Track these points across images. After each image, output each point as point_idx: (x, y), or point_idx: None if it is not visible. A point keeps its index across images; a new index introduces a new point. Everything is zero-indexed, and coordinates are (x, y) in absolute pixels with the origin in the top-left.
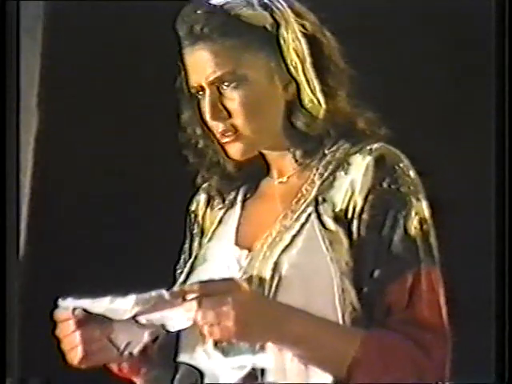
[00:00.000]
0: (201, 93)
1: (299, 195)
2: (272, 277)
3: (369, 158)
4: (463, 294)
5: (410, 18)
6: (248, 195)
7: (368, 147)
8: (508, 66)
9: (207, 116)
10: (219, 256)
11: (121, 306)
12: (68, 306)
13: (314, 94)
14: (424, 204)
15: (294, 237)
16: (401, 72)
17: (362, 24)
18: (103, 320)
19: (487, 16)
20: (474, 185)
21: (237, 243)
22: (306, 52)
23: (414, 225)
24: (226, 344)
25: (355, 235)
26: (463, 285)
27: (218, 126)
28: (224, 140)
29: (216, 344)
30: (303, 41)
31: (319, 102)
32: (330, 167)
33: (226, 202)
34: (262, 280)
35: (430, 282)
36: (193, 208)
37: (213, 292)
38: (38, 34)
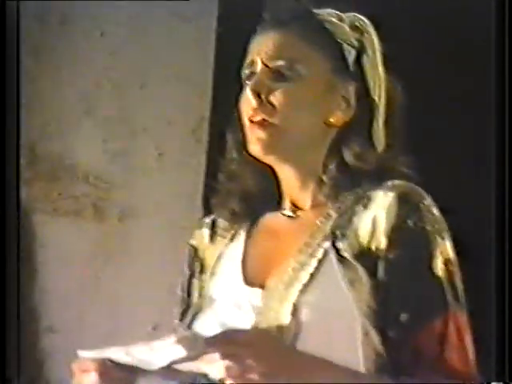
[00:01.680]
0: (250, 76)
1: (314, 228)
2: (291, 321)
3: (391, 195)
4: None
5: (409, 18)
6: (252, 229)
7: (389, 183)
8: (508, 65)
9: (249, 88)
10: (227, 295)
11: (160, 350)
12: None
13: (381, 126)
14: (448, 244)
15: (312, 275)
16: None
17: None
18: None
19: (487, 16)
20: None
21: (246, 281)
22: (384, 84)
23: (439, 265)
24: None
25: (380, 275)
26: (463, 285)
27: (253, 102)
28: (255, 118)
29: None
30: (381, 71)
31: (381, 136)
32: (348, 201)
33: (229, 235)
34: (280, 324)
35: (458, 328)
36: (194, 242)
37: (238, 343)
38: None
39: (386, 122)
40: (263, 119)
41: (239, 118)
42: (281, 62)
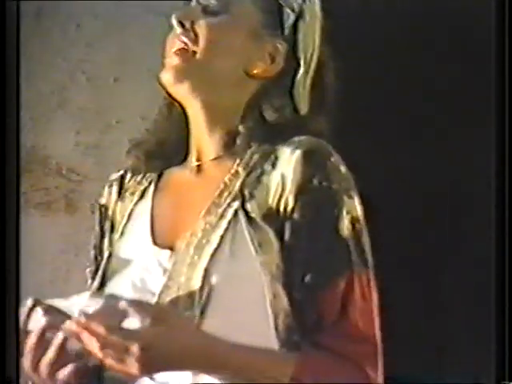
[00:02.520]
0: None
1: (222, 186)
2: (202, 287)
3: (298, 152)
4: (463, 294)
5: (409, 18)
6: (159, 185)
7: (296, 139)
8: (508, 65)
9: (174, 16)
10: (136, 256)
11: (75, 303)
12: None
13: (305, 90)
14: (356, 201)
15: (222, 237)
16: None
17: (361, 23)
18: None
19: (487, 16)
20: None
21: (155, 242)
22: (317, 50)
23: (345, 225)
24: None
25: (286, 236)
26: (463, 285)
27: (177, 29)
28: (176, 47)
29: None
30: (318, 41)
31: (304, 99)
32: (256, 158)
33: (137, 192)
34: (190, 290)
35: (363, 288)
36: (103, 201)
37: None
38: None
39: (312, 89)
40: (183, 48)
41: (163, 57)
42: (213, 1)
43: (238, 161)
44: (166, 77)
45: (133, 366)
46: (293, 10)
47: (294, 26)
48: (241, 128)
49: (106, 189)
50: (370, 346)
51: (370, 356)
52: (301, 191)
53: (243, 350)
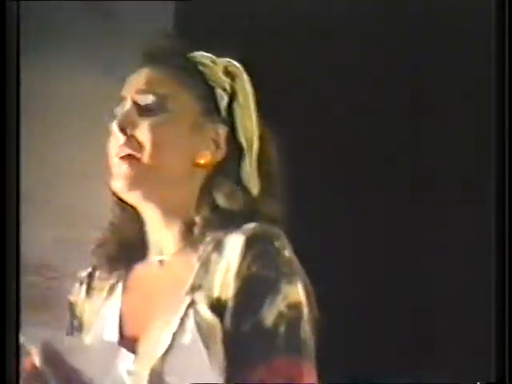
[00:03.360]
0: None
1: (178, 282)
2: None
3: (242, 238)
4: (463, 294)
5: (409, 18)
6: (127, 283)
7: (245, 226)
8: (508, 65)
9: (116, 122)
10: (103, 356)
11: None
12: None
13: (252, 170)
14: (298, 287)
15: (174, 335)
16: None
17: (361, 23)
18: None
19: (487, 16)
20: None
21: (121, 343)
22: (256, 129)
23: (277, 311)
24: None
25: (226, 325)
26: (463, 285)
27: (120, 140)
28: (121, 154)
29: None
30: (255, 118)
31: (254, 180)
32: (209, 249)
33: (106, 288)
34: None
35: (288, 376)
36: (73, 299)
37: None
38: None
39: (259, 166)
40: (129, 154)
41: (109, 160)
42: (150, 97)
43: (194, 254)
44: (117, 185)
45: None
46: (224, 90)
47: (230, 107)
48: (196, 219)
49: (76, 286)
50: None
51: None
52: (239, 278)
53: None
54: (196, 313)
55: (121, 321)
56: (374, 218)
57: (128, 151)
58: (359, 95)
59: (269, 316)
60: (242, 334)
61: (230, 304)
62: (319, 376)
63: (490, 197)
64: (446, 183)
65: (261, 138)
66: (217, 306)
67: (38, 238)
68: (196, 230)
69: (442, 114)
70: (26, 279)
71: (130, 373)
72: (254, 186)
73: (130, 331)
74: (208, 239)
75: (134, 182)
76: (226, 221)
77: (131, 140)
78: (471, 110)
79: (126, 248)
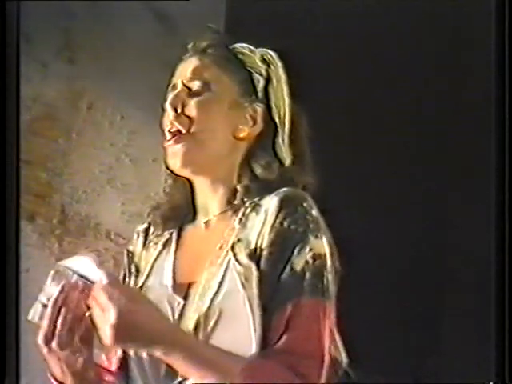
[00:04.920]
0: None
1: (222, 241)
2: (205, 324)
3: (275, 199)
4: (463, 295)
5: (409, 18)
6: (179, 240)
7: (280, 190)
8: (508, 65)
9: (167, 102)
10: (156, 299)
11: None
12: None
13: (285, 145)
14: (323, 241)
15: (220, 283)
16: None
17: (361, 24)
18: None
19: (487, 16)
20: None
21: (174, 290)
22: (288, 109)
23: (305, 259)
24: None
25: (261, 271)
26: (463, 285)
27: (170, 115)
28: (172, 129)
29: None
30: (287, 99)
31: (286, 153)
32: (248, 211)
33: (160, 243)
34: (196, 327)
35: (312, 314)
36: (131, 248)
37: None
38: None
39: (291, 141)
40: (179, 130)
41: (163, 135)
42: (197, 82)
43: (235, 217)
44: (172, 162)
45: (106, 333)
46: (261, 75)
47: (265, 90)
48: (238, 187)
49: (134, 238)
50: (313, 360)
51: (312, 366)
52: (273, 232)
53: (201, 341)
54: (236, 262)
55: (174, 271)
56: (399, 185)
57: (178, 126)
58: (386, 73)
59: (297, 264)
60: (274, 278)
61: (265, 253)
62: (338, 318)
63: None
64: None
65: (292, 116)
66: (253, 256)
67: (110, 211)
68: (238, 197)
69: None
70: (101, 244)
71: (179, 316)
72: (287, 158)
73: (181, 279)
74: (247, 204)
75: (186, 160)
76: (263, 188)
77: (181, 117)
78: None
79: (177, 211)
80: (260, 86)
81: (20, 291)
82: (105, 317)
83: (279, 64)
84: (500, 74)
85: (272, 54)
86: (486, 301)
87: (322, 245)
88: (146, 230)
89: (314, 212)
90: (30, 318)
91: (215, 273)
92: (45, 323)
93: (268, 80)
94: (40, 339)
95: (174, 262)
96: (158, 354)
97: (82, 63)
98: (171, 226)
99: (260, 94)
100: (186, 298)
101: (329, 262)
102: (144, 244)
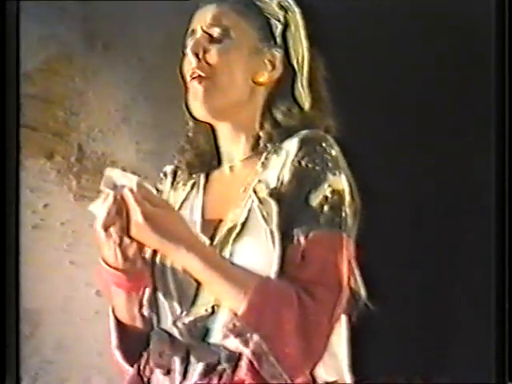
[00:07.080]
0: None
1: (245, 184)
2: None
3: (294, 140)
4: (463, 295)
5: (409, 18)
6: (206, 184)
7: (301, 132)
8: (508, 65)
9: (188, 48)
10: None
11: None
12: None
13: (304, 89)
14: (342, 178)
15: (244, 224)
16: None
17: (360, 23)
18: None
19: (487, 16)
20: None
21: (202, 227)
22: (306, 53)
23: (323, 194)
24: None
25: (280, 205)
26: (463, 285)
27: (193, 62)
28: (194, 75)
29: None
30: (305, 44)
31: (306, 97)
32: (270, 155)
33: (189, 184)
34: None
35: (329, 245)
36: (160, 187)
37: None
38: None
39: (310, 86)
40: (200, 75)
41: (184, 82)
42: (216, 29)
43: (258, 161)
44: (193, 107)
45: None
46: (279, 21)
47: (283, 35)
48: (261, 133)
49: (162, 177)
50: (327, 286)
51: (325, 291)
52: (292, 170)
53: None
54: (257, 201)
55: (203, 208)
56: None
57: (199, 72)
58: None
59: (315, 199)
60: (292, 213)
61: (283, 190)
62: (358, 250)
63: None
64: None
65: (310, 61)
66: (274, 193)
67: (125, 149)
68: (260, 143)
69: None
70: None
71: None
72: (306, 102)
73: (209, 216)
74: (269, 148)
75: (209, 106)
76: (285, 133)
77: (202, 63)
78: None
79: (202, 157)
80: (278, 31)
81: (20, 285)
82: (133, 217)
83: (296, 10)
84: (500, 74)
85: (289, 0)
86: (486, 301)
87: (341, 182)
88: (175, 172)
89: (334, 152)
90: (90, 208)
91: (239, 214)
92: (104, 210)
93: (286, 26)
94: (99, 225)
95: (203, 202)
96: (180, 255)
97: (98, 3)
98: (197, 171)
99: (278, 40)
100: (212, 238)
101: (347, 197)
102: (172, 184)
